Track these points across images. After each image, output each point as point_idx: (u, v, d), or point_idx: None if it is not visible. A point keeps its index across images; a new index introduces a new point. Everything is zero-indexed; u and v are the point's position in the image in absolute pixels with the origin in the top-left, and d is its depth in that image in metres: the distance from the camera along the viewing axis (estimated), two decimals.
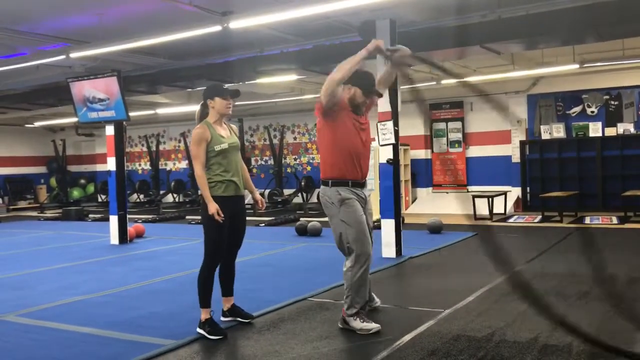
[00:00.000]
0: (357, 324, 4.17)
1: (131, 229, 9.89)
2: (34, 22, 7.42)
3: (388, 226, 7.29)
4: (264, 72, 9.44)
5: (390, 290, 5.83)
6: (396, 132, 7.21)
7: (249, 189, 4.58)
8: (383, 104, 7.22)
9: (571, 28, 7.26)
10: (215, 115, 4.36)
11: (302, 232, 9.74)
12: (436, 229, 9.46)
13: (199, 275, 4.30)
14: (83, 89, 9.44)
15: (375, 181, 12.40)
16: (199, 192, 4.30)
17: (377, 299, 4.77)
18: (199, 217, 4.81)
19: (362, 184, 4.34)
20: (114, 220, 9.59)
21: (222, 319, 4.53)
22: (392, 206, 7.28)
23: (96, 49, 7.51)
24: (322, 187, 4.36)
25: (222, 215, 4.15)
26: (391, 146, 7.22)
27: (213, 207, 4.14)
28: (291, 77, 10.32)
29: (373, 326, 4.16)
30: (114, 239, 9.59)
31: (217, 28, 6.49)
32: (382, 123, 7.20)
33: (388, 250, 7.26)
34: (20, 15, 7.07)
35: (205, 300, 4.26)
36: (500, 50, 8.32)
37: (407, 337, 4.02)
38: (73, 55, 7.67)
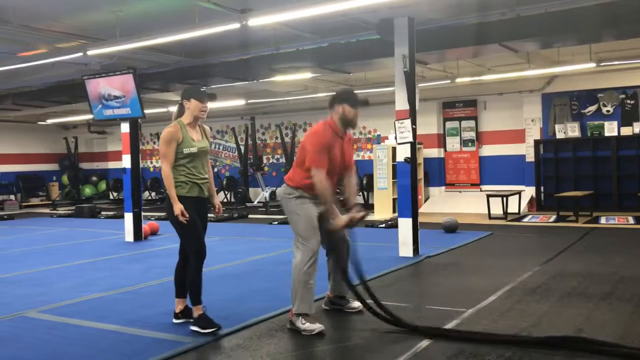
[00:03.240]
0: (300, 324, 4.18)
1: (146, 226, 9.90)
2: (51, 19, 7.43)
3: (405, 225, 7.25)
4: (280, 70, 9.42)
5: (411, 290, 5.82)
6: (414, 130, 7.17)
7: (209, 192, 4.53)
8: (401, 102, 7.20)
9: (590, 26, 7.19)
10: (189, 116, 4.35)
11: None
12: (451, 228, 9.41)
13: (190, 277, 4.30)
14: (98, 86, 9.45)
15: (389, 179, 12.39)
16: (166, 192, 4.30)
17: (356, 303, 4.65)
18: (211, 215, 4.77)
19: None
20: (128, 217, 9.60)
21: (175, 321, 4.50)
22: (410, 205, 7.24)
23: (114, 46, 7.50)
24: (283, 185, 4.45)
25: (187, 215, 4.15)
26: (409, 144, 7.18)
27: (178, 208, 4.15)
28: (306, 75, 10.28)
29: (316, 327, 4.14)
30: (129, 236, 9.60)
31: (235, 25, 6.46)
32: (400, 121, 7.17)
33: (405, 249, 7.23)
34: (38, 12, 7.07)
35: (198, 298, 4.29)
36: (517, 49, 8.26)
37: None
38: (90, 52, 7.67)
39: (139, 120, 9.67)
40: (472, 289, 5.44)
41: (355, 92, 4.51)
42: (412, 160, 7.21)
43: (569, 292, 5.21)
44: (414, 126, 7.16)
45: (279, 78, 10.09)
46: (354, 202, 4.47)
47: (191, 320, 4.48)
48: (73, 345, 4.11)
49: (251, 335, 4.19)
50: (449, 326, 4.21)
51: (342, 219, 4.28)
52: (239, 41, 8.65)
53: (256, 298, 5.37)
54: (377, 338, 4.06)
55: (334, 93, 4.48)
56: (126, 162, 9.67)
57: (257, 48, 8.95)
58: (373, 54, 8.34)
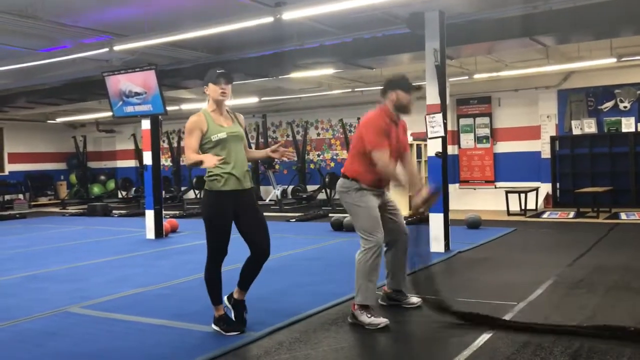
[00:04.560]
0: (365, 318, 4.11)
1: (166, 223, 9.85)
2: (77, 15, 7.35)
3: (436, 220, 7.21)
4: (303, 66, 9.35)
5: (451, 284, 5.74)
6: (445, 125, 7.13)
7: (260, 155, 4.40)
8: (432, 97, 7.16)
9: (611, 20, 7.17)
10: (211, 103, 4.11)
11: (338, 227, 9.68)
12: (475, 224, 9.38)
13: (205, 276, 4.14)
14: (119, 82, 9.36)
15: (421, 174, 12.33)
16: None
17: (415, 299, 4.62)
18: None
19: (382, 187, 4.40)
20: (149, 214, 9.54)
21: (225, 301, 4.23)
22: (441, 200, 7.19)
23: (141, 41, 7.44)
24: (341, 179, 4.40)
25: (221, 158, 3.82)
26: (440, 139, 7.14)
27: (208, 158, 3.76)
28: (329, 71, 10.21)
29: (381, 321, 4.08)
30: (150, 233, 9.54)
31: (269, 19, 6.42)
32: (431, 115, 7.13)
33: (437, 244, 7.19)
34: (64, 7, 6.99)
35: (216, 299, 4.13)
36: (546, 43, 8.22)
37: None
38: (117, 48, 7.61)
39: (160, 116, 9.61)
40: (514, 283, 5.40)
41: (406, 77, 4.43)
42: (443, 155, 7.17)
43: (613, 285, 5.18)
44: (445, 120, 7.13)
45: (301, 74, 10.02)
46: (420, 183, 4.41)
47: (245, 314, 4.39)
48: (124, 340, 4.05)
49: (305, 329, 4.14)
50: (505, 319, 4.17)
51: (420, 195, 4.18)
52: (261, 37, 8.56)
53: (297, 293, 5.33)
54: (439, 332, 4.02)
55: (386, 80, 4.41)
56: (147, 159, 9.60)
57: (280, 44, 8.87)
58: (400, 48, 8.31)
